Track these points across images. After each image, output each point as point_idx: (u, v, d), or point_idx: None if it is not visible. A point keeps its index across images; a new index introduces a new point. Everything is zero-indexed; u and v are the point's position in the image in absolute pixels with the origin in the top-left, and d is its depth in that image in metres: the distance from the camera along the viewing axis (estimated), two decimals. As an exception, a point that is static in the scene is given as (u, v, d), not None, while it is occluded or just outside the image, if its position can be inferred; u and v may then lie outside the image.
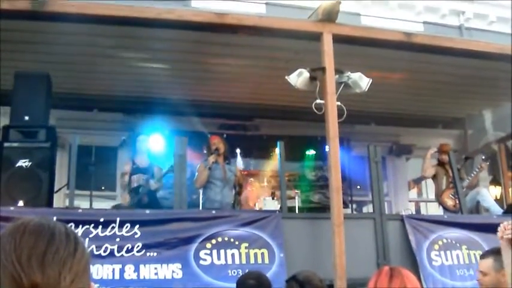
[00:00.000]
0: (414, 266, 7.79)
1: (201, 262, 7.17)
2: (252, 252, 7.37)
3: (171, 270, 7.02)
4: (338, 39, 7.93)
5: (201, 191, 9.49)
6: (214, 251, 7.28)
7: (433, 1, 12.90)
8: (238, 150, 11.49)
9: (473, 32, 12.81)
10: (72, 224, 6.60)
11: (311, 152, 12.51)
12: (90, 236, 6.91)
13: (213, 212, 8.05)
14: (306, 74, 7.62)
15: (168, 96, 10.82)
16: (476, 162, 11.40)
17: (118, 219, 7.18)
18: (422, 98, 11.51)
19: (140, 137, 9.62)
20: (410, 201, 13.77)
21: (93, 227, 7.02)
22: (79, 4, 7.49)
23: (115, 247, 6.97)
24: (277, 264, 7.29)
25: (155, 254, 7.08)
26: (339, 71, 7.78)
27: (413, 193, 14.41)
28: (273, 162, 11.60)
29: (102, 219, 7.13)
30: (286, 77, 7.67)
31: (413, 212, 12.38)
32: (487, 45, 9.05)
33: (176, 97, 10.85)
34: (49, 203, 7.74)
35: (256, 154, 12.05)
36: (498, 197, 12.15)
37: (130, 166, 9.36)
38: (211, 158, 9.06)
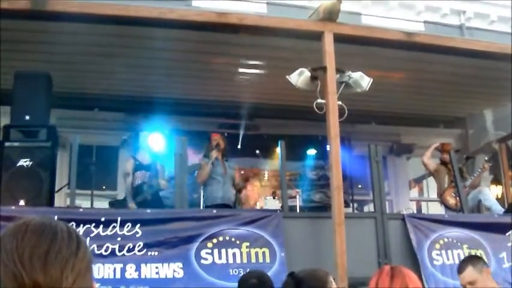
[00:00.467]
0: (415, 265, 7.78)
1: (202, 261, 7.17)
2: (253, 251, 7.37)
3: (172, 270, 7.03)
4: (339, 39, 7.93)
5: (202, 188, 9.52)
6: (216, 250, 7.28)
7: (433, 1, 12.90)
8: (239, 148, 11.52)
9: (474, 32, 12.81)
10: (73, 224, 6.59)
11: (312, 152, 12.50)
12: (91, 235, 6.92)
13: (214, 211, 8.06)
14: (307, 73, 7.62)
15: (168, 95, 10.82)
16: (478, 161, 11.40)
17: (119, 219, 7.18)
18: (423, 98, 11.51)
19: (143, 133, 9.56)
20: (411, 200, 13.75)
21: (94, 227, 7.02)
22: (80, 3, 7.49)
23: (116, 246, 6.98)
24: (278, 264, 7.29)
25: (156, 253, 7.08)
26: (339, 71, 7.77)
27: (414, 192, 14.40)
28: (274, 162, 11.59)
29: (103, 219, 7.14)
30: (287, 77, 7.67)
31: (414, 211, 12.38)
32: (487, 44, 9.05)
33: (177, 96, 10.86)
34: (50, 203, 7.74)
35: (257, 153, 12.03)
36: (499, 196, 12.15)
37: (132, 163, 9.33)
38: (214, 153, 9.12)
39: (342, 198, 7.57)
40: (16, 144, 7.67)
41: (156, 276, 6.94)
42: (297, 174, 12.57)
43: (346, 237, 7.21)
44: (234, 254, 7.30)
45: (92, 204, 8.77)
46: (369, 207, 12.50)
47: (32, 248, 1.27)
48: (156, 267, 6.99)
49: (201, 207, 9.50)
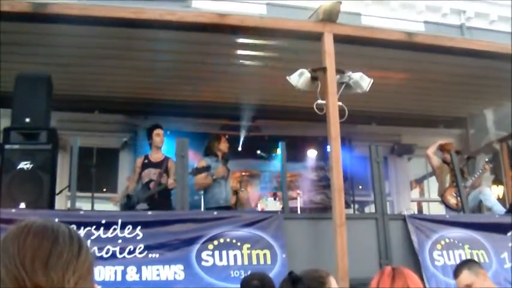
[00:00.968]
0: (416, 265, 7.78)
1: (203, 263, 7.16)
2: (254, 253, 7.36)
3: (173, 272, 7.02)
4: (339, 39, 7.94)
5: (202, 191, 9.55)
6: (217, 252, 7.27)
7: (434, 0, 12.90)
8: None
9: (474, 32, 12.82)
10: (74, 226, 6.56)
11: (313, 152, 12.50)
12: (92, 237, 6.91)
13: (215, 213, 8.06)
14: (307, 74, 7.61)
15: (169, 97, 10.84)
16: (479, 162, 11.40)
17: (120, 221, 7.17)
18: (423, 98, 11.51)
19: (157, 130, 9.45)
20: (412, 201, 13.74)
21: (95, 229, 7.02)
22: (80, 6, 7.50)
23: (117, 249, 6.97)
24: (280, 265, 7.28)
25: (157, 255, 7.08)
26: (340, 71, 7.77)
27: (415, 193, 14.39)
28: (275, 163, 11.59)
29: (103, 221, 7.13)
30: (287, 78, 7.67)
31: (416, 212, 12.38)
32: (488, 44, 9.04)
33: (177, 98, 10.87)
34: (51, 205, 7.73)
35: (257, 155, 12.02)
36: (500, 196, 12.15)
37: (142, 162, 9.32)
38: (221, 171, 9.20)
39: (342, 199, 7.56)
40: (16, 146, 7.65)
41: (157, 279, 6.93)
42: (297, 175, 12.58)
43: (347, 238, 7.21)
44: (235, 256, 7.29)
45: (92, 206, 8.76)
46: (370, 208, 12.50)
47: (33, 251, 1.27)
48: (157, 269, 6.98)
49: (202, 209, 9.52)
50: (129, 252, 6.99)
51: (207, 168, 9.07)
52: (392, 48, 8.76)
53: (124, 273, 6.84)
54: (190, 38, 8.62)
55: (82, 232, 6.83)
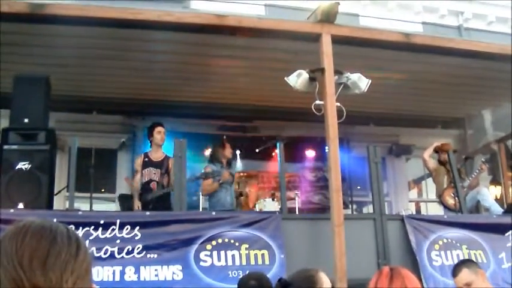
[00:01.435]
0: (415, 266, 7.79)
1: (202, 263, 7.17)
2: (252, 253, 7.37)
3: (172, 272, 7.02)
4: (337, 40, 7.95)
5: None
6: (215, 252, 7.27)
7: (432, 1, 12.91)
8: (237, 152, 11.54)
9: (472, 32, 12.83)
10: (73, 226, 6.43)
11: (311, 153, 12.50)
12: (91, 238, 6.91)
13: (213, 213, 8.07)
14: (305, 75, 7.62)
15: (167, 98, 10.84)
16: (477, 162, 11.41)
17: (118, 221, 7.17)
18: (421, 99, 11.52)
19: (158, 127, 9.41)
20: (410, 201, 13.75)
21: (93, 229, 7.02)
22: (78, 7, 7.50)
23: (115, 249, 6.97)
24: (278, 265, 7.29)
25: (155, 255, 7.08)
26: (338, 72, 7.78)
27: (413, 193, 14.40)
28: (273, 164, 11.59)
29: (102, 221, 7.13)
30: (285, 78, 7.68)
31: (414, 212, 12.38)
32: (486, 45, 9.06)
33: (175, 99, 10.87)
34: (49, 206, 7.73)
35: (256, 155, 12.02)
36: (498, 197, 12.16)
37: (141, 160, 9.31)
38: (226, 176, 9.24)
39: (341, 200, 7.57)
40: (15, 147, 7.65)
41: (156, 279, 6.93)
42: (296, 175, 12.58)
43: (345, 239, 7.22)
44: (233, 256, 7.30)
45: (91, 207, 8.76)
46: (368, 209, 12.51)
47: (31, 251, 1.27)
48: (156, 270, 6.99)
49: (200, 210, 9.55)
50: (128, 253, 6.99)
51: (214, 173, 9.14)
52: (390, 49, 8.77)
53: (122, 273, 6.85)
54: (188, 38, 8.62)
55: (80, 232, 6.83)
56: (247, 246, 7.40)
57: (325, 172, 11.58)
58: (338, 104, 7.61)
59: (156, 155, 9.31)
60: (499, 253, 8.29)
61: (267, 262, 7.33)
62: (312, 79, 7.65)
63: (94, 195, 8.94)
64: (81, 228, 6.89)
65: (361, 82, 7.82)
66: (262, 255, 7.38)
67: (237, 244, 7.39)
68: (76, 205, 8.22)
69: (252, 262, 7.29)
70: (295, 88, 7.66)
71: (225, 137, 11.07)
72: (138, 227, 7.17)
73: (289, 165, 10.68)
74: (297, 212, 10.21)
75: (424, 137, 12.85)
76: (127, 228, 7.12)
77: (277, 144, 8.85)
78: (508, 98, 10.26)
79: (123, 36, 8.55)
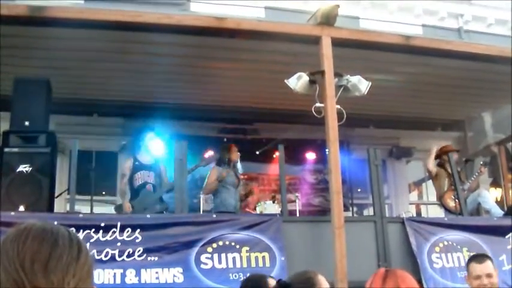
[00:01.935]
0: (415, 268, 7.79)
1: (202, 266, 7.17)
2: (253, 255, 7.37)
3: (172, 275, 7.03)
4: (337, 43, 7.95)
5: (212, 196, 9.58)
6: (215, 255, 7.28)
7: (432, 4, 12.91)
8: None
9: (472, 35, 12.80)
10: (73, 229, 6.44)
11: (311, 155, 12.50)
12: (91, 240, 6.91)
13: (214, 216, 8.07)
14: (305, 77, 7.63)
15: (168, 100, 10.84)
16: (476, 164, 11.40)
17: (119, 224, 7.18)
18: (421, 101, 11.52)
19: (149, 134, 9.45)
20: (410, 203, 13.74)
21: (94, 232, 7.02)
22: (78, 9, 7.52)
23: (116, 252, 6.98)
24: (279, 268, 7.29)
25: (156, 258, 7.08)
26: (338, 75, 7.79)
27: (413, 196, 14.39)
28: (274, 166, 11.59)
29: (103, 224, 7.14)
30: (285, 81, 7.68)
31: (414, 215, 12.37)
32: (486, 47, 9.06)
33: (176, 101, 10.88)
34: (50, 208, 7.74)
35: (256, 158, 12.02)
36: (498, 199, 12.15)
37: (131, 164, 9.30)
38: (225, 173, 9.23)
39: (341, 202, 7.57)
40: (15, 150, 7.67)
41: (156, 281, 6.94)
42: (296, 178, 12.57)
43: (345, 241, 7.22)
44: (234, 259, 7.30)
45: (91, 209, 8.75)
46: (369, 211, 12.50)
47: (33, 254, 1.27)
48: (156, 272, 6.99)
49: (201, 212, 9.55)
50: (128, 255, 6.99)
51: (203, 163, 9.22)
52: (390, 52, 8.78)
53: (123, 276, 6.85)
54: (189, 41, 8.63)
55: (81, 235, 6.83)
56: (247, 248, 7.40)
57: (325, 174, 11.56)
58: (338, 106, 7.62)
59: (146, 158, 9.32)
60: (500, 255, 8.28)
61: (267, 264, 7.33)
62: (312, 81, 7.65)
63: (95, 197, 8.93)
64: (81, 230, 6.90)
65: (361, 84, 7.82)
66: (263, 257, 7.39)
67: (237, 247, 7.40)
68: (77, 208, 8.22)
69: (253, 264, 7.29)
70: (295, 90, 7.66)
71: (225, 139, 11.08)
72: (138, 230, 7.18)
73: (290, 168, 10.66)
74: (297, 215, 10.19)
75: (424, 139, 12.86)
76: (128, 231, 7.13)
77: (278, 147, 8.85)
78: (508, 100, 10.26)
79: (123, 39, 8.56)
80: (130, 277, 6.86)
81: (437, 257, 8.11)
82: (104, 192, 11.52)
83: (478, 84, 10.46)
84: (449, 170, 10.03)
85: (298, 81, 7.63)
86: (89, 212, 8.60)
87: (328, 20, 7.88)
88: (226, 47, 8.91)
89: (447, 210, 10.23)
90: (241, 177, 10.20)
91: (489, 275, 4.67)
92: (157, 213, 8.54)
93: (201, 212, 8.97)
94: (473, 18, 13.07)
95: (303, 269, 3.47)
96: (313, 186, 12.72)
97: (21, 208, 7.22)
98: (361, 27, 11.14)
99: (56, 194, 8.38)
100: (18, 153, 7.66)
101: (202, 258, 7.22)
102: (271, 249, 7.46)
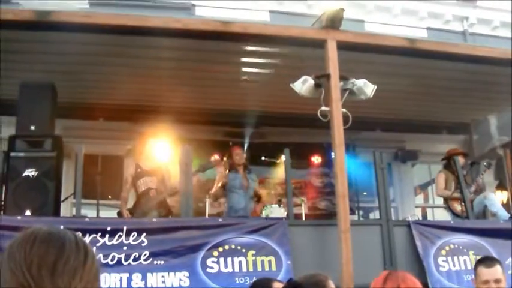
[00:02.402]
0: (421, 271, 7.77)
1: (208, 270, 7.17)
2: (259, 259, 7.37)
3: (179, 278, 7.02)
4: (342, 46, 7.95)
5: (222, 200, 9.64)
6: (222, 259, 7.27)
7: (436, 7, 12.92)
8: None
9: (477, 38, 12.82)
10: (79, 233, 6.49)
11: (317, 159, 12.50)
12: (97, 244, 6.91)
13: (220, 219, 8.08)
14: (310, 81, 7.63)
15: (173, 104, 10.83)
16: (482, 167, 11.38)
17: (125, 228, 7.18)
18: (427, 104, 11.49)
19: (150, 141, 9.49)
20: (416, 206, 13.73)
21: (100, 236, 7.03)
22: (84, 14, 7.55)
23: (122, 256, 6.98)
24: (284, 271, 7.27)
25: (162, 262, 7.08)
26: (343, 78, 7.79)
27: (419, 199, 14.37)
28: (279, 170, 11.58)
29: (109, 228, 7.14)
30: (291, 85, 7.69)
31: (420, 218, 12.35)
32: (491, 50, 9.05)
33: (182, 105, 10.87)
34: (56, 212, 7.75)
35: (262, 161, 12.01)
36: (504, 202, 12.11)
37: (133, 171, 9.29)
38: (225, 178, 9.27)
39: (347, 206, 7.57)
40: (21, 154, 7.68)
41: (162, 285, 6.94)
42: (302, 181, 12.57)
43: (351, 245, 7.21)
44: (240, 263, 7.30)
45: (97, 213, 8.77)
46: (375, 214, 12.49)
47: (40, 258, 1.28)
48: (162, 276, 6.99)
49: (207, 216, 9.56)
50: (135, 259, 7.00)
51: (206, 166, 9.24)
52: (395, 55, 8.77)
53: (129, 280, 6.85)
54: (195, 45, 8.63)
55: (87, 239, 6.83)
56: (253, 252, 7.40)
57: (331, 178, 11.56)
58: (344, 109, 7.62)
59: (148, 164, 9.30)
60: (506, 259, 8.25)
61: (273, 268, 7.32)
62: (317, 85, 7.66)
63: (101, 201, 8.95)
64: (88, 235, 6.90)
65: (366, 88, 7.82)
66: (269, 261, 7.38)
67: (243, 250, 7.40)
68: (83, 212, 8.23)
69: (259, 268, 7.29)
70: (300, 94, 7.67)
71: (231, 143, 11.08)
72: (144, 234, 7.18)
73: (296, 172, 10.65)
74: (303, 218, 10.21)
75: (430, 143, 12.84)
76: (134, 235, 7.13)
77: (284, 151, 8.85)
78: (515, 102, 10.25)
79: (129, 43, 8.57)
80: (137, 281, 6.87)
81: (443, 260, 8.10)
82: (109, 196, 11.52)
83: (483, 86, 10.43)
84: (456, 174, 10.01)
85: (303, 85, 7.64)
86: (95, 216, 8.61)
87: (333, 23, 7.89)
88: (232, 51, 8.91)
89: (454, 213, 10.22)
90: (255, 179, 10.21)
91: (498, 280, 4.55)
92: (162, 217, 8.54)
93: (207, 216, 8.98)
94: (478, 21, 13.10)
95: (308, 273, 3.48)
96: (319, 190, 12.71)
97: (28, 212, 7.24)
98: (366, 30, 11.16)
99: (62, 198, 8.39)
100: (24, 157, 7.67)
101: (209, 262, 7.22)
102: (277, 253, 7.45)
